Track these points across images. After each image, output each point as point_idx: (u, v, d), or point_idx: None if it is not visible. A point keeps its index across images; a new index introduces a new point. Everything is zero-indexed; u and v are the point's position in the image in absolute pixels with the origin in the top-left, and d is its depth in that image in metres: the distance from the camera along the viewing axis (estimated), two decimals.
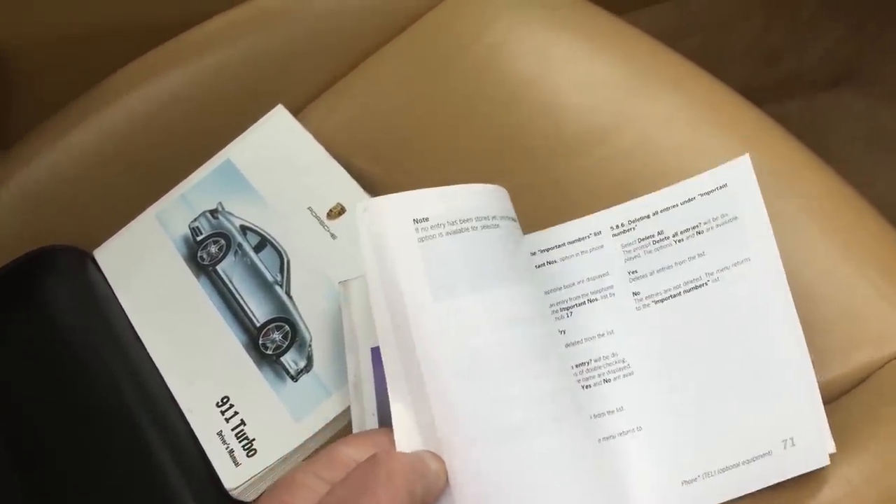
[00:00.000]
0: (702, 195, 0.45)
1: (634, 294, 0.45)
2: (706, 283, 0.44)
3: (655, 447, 0.42)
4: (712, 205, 0.45)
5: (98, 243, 0.58)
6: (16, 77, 0.64)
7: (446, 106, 0.58)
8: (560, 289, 0.46)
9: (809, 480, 0.38)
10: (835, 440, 0.39)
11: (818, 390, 0.40)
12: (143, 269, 0.55)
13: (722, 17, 0.97)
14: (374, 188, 0.55)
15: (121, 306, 0.54)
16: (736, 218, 0.44)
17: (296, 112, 0.60)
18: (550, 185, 0.53)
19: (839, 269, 0.45)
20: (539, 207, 0.51)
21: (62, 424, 0.50)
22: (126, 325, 0.53)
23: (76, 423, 0.50)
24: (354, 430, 0.44)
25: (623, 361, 0.44)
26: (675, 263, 0.44)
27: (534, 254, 0.47)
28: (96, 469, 0.48)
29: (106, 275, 0.56)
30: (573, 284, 0.46)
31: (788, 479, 0.39)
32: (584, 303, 0.46)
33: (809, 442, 0.39)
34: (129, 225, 0.58)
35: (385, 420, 0.43)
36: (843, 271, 0.45)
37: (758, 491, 0.40)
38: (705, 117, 0.52)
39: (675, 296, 0.44)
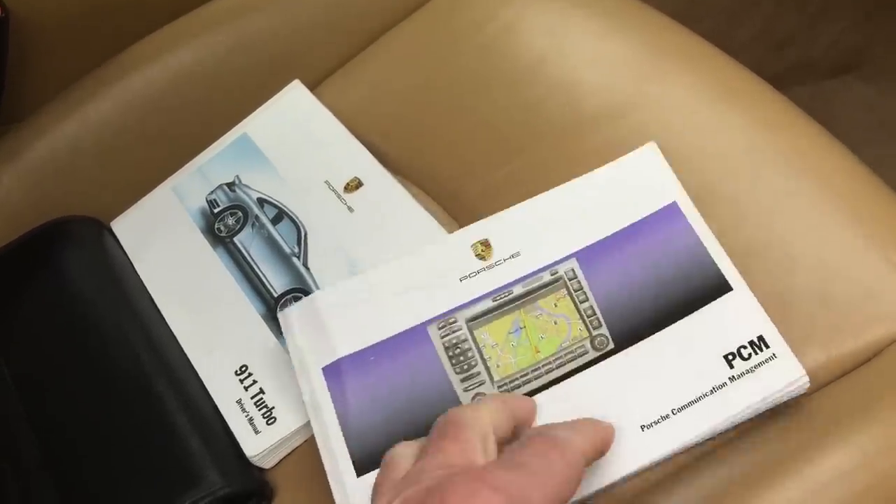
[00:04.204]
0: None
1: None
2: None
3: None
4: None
5: (114, 215, 0.59)
6: (32, 49, 0.64)
7: (460, 83, 0.58)
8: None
9: (823, 448, 0.39)
10: (849, 411, 0.40)
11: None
12: (160, 241, 0.56)
13: (732, 3, 0.98)
14: (387, 164, 0.56)
15: (138, 277, 0.55)
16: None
17: (311, 88, 0.60)
18: (564, 163, 0.53)
19: (854, 245, 0.45)
20: (552, 185, 0.51)
21: (80, 393, 0.50)
22: (144, 295, 0.54)
23: (94, 392, 0.50)
24: (321, 448, 0.44)
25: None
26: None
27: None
28: (114, 436, 0.48)
29: (123, 246, 0.57)
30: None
31: (801, 447, 0.39)
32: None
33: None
34: (145, 197, 0.58)
35: (350, 434, 0.44)
36: (859, 248, 0.45)
37: (766, 457, 0.40)
38: (721, 96, 0.52)
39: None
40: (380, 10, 0.63)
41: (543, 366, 0.44)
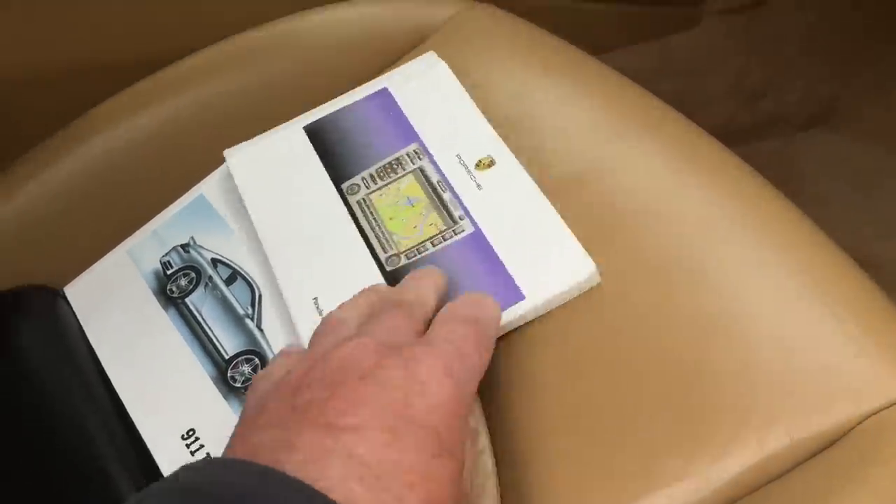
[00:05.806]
0: None
1: None
2: None
3: None
4: None
5: (69, 280, 0.57)
6: None
7: None
8: None
9: None
10: (812, 503, 0.38)
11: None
12: (111, 305, 0.54)
13: (702, 57, 0.98)
14: None
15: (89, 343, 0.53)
16: None
17: None
18: None
19: (816, 322, 0.44)
20: None
21: (31, 474, 0.49)
22: (92, 361, 0.52)
23: (46, 474, 0.48)
24: None
25: None
26: None
27: None
28: None
29: (76, 312, 0.55)
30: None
31: None
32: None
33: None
34: (99, 261, 0.57)
35: None
36: (820, 325, 0.43)
37: None
38: (683, 163, 0.52)
39: None
40: (344, 73, 0.62)
41: None
